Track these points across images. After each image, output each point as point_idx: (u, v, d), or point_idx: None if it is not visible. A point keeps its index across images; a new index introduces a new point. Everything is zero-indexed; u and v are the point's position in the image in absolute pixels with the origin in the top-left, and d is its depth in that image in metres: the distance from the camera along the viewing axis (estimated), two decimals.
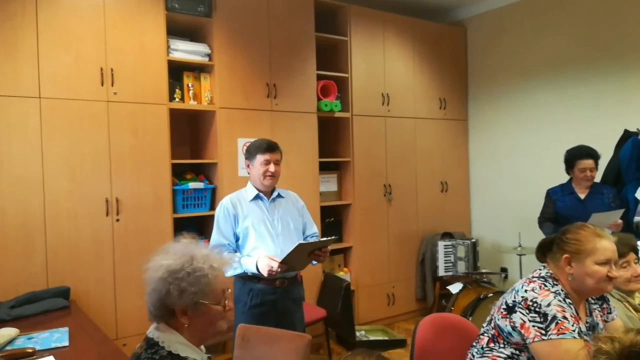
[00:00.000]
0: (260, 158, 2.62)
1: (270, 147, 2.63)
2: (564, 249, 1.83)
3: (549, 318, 1.68)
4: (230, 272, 2.50)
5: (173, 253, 1.41)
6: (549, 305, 1.71)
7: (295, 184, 4.03)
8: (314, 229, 2.88)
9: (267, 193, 2.72)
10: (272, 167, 2.62)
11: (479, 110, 5.32)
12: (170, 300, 1.35)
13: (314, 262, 2.63)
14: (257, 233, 2.61)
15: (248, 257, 2.57)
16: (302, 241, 2.51)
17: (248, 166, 2.69)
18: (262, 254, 2.53)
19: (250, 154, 2.67)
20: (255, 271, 2.49)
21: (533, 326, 1.70)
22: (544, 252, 1.96)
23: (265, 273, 2.42)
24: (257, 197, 2.68)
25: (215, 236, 2.64)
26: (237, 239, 2.65)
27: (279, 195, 2.75)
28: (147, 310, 1.41)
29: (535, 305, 1.72)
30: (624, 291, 2.26)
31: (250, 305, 2.56)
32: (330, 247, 2.61)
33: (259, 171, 2.62)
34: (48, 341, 2.30)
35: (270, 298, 2.58)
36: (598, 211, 3.36)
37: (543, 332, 1.67)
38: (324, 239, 2.56)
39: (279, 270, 2.41)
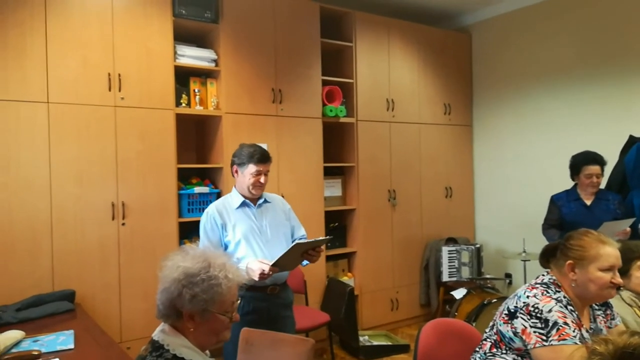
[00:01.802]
0: (252, 168, 2.55)
1: (263, 158, 2.57)
2: (568, 255, 1.84)
3: (550, 324, 1.69)
4: None
5: (192, 256, 1.43)
6: (550, 311, 1.71)
7: (299, 188, 4.06)
8: (302, 231, 2.80)
9: (254, 199, 2.65)
10: (262, 179, 2.57)
11: (484, 115, 5.32)
12: (181, 302, 1.37)
13: (305, 263, 2.57)
14: (246, 241, 2.55)
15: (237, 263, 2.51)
16: (299, 241, 2.45)
17: (236, 172, 2.62)
18: (252, 260, 2.48)
19: (241, 160, 2.59)
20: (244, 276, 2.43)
21: (534, 332, 1.70)
22: (547, 258, 1.97)
23: (256, 277, 2.34)
24: (243, 204, 2.62)
25: (204, 242, 2.58)
26: (225, 247, 2.59)
27: (265, 201, 2.69)
28: (157, 307, 1.42)
29: (536, 311, 1.73)
30: (639, 295, 2.26)
31: (241, 313, 2.51)
32: (323, 248, 2.54)
33: (248, 181, 2.56)
34: (54, 344, 2.32)
35: (261, 305, 2.53)
36: (604, 217, 3.35)
37: (544, 337, 1.68)
38: (320, 238, 2.51)
39: (271, 273, 2.35)
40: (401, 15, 4.98)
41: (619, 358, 1.09)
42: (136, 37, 3.42)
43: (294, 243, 2.39)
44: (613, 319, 1.98)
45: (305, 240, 2.47)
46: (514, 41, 4.97)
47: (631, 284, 2.25)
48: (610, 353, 1.10)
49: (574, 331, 1.68)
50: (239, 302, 1.48)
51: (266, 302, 2.55)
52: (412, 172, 4.89)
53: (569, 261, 1.82)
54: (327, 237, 2.58)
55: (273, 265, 2.38)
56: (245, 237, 2.56)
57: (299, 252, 2.45)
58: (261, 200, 2.67)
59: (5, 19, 3.00)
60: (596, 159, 3.51)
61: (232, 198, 2.64)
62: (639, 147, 3.73)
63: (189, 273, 1.38)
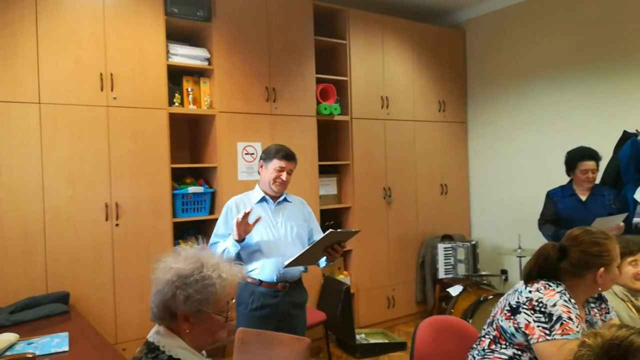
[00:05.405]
0: (275, 163, 2.62)
1: (287, 156, 2.64)
2: (596, 263, 1.81)
3: (554, 318, 1.69)
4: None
5: (184, 257, 1.41)
6: (554, 305, 1.71)
7: (294, 187, 4.01)
8: (320, 235, 2.78)
9: (274, 197, 2.71)
10: (284, 176, 2.63)
11: (478, 112, 5.33)
12: (175, 304, 1.36)
13: (324, 264, 2.62)
14: (259, 235, 2.60)
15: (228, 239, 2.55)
16: (332, 230, 2.45)
17: (261, 167, 2.69)
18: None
19: (267, 155, 2.67)
20: (235, 242, 2.46)
21: (538, 326, 1.70)
22: (541, 274, 1.87)
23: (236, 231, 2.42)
24: (263, 200, 2.69)
25: (214, 234, 2.66)
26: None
27: (285, 199, 2.75)
28: (150, 309, 1.41)
29: (540, 305, 1.73)
30: (631, 289, 2.30)
31: (251, 308, 2.56)
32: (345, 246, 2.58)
33: (270, 175, 2.63)
34: (48, 346, 2.31)
35: (271, 302, 2.57)
36: (599, 213, 3.36)
37: (547, 332, 1.68)
38: (353, 230, 2.51)
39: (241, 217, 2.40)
40: (395, 13, 4.98)
41: (607, 350, 1.12)
42: (128, 37, 3.39)
43: (328, 232, 2.40)
44: (608, 312, 2.00)
45: (340, 230, 2.48)
46: (508, 38, 4.98)
47: (622, 278, 2.29)
48: (598, 345, 1.13)
49: (577, 326, 1.68)
50: (233, 301, 1.47)
51: (276, 298, 2.59)
52: (407, 170, 4.89)
53: (601, 269, 1.80)
54: (357, 230, 2.60)
55: (297, 258, 2.43)
56: (258, 231, 2.58)
57: (325, 245, 2.47)
58: (281, 199, 2.73)
59: None
60: (591, 155, 3.52)
61: (254, 193, 2.73)
62: (633, 142, 3.75)
63: (182, 274, 1.37)
